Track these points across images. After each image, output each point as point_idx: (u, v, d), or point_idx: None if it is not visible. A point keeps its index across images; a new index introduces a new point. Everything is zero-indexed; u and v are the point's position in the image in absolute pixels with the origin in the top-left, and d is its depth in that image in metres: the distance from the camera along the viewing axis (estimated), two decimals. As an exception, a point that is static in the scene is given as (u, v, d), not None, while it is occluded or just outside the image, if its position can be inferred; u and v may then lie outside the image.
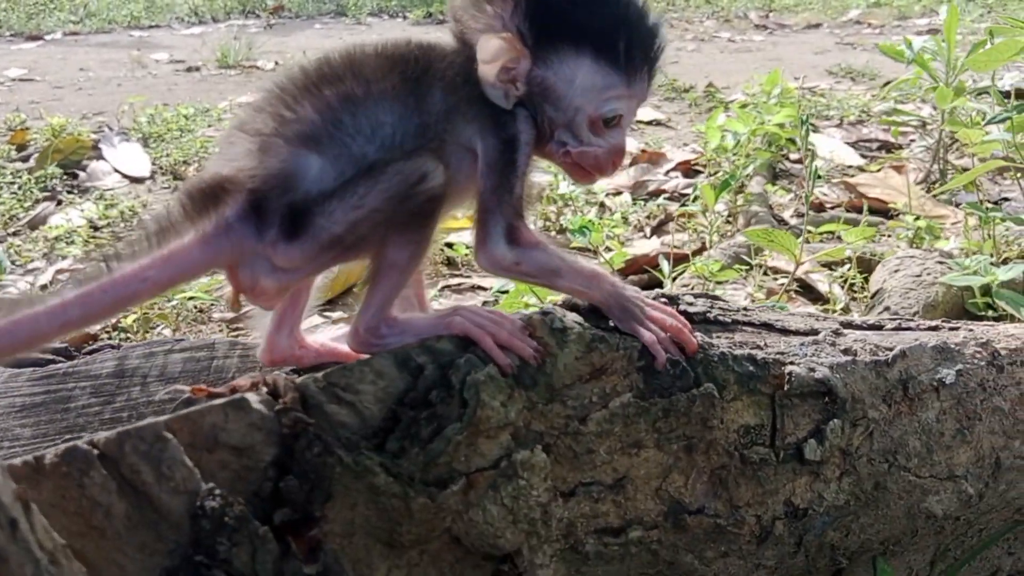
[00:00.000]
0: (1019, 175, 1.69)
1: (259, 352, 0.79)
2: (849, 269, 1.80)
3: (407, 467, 0.60)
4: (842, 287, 1.81)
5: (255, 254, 0.66)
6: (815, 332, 0.77)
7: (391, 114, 0.69)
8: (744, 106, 3.22)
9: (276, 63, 5.03)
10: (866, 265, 1.86)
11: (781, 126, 2.54)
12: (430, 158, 0.68)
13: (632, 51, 0.72)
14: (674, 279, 1.82)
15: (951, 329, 0.82)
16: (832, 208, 2.51)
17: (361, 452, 0.59)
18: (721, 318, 0.78)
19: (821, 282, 1.87)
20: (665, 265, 1.83)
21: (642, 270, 2.02)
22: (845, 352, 0.75)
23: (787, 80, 3.85)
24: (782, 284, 1.92)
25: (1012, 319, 1.40)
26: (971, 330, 0.82)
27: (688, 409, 0.71)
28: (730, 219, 2.41)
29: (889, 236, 2.12)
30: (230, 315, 1.69)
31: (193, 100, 3.89)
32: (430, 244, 0.71)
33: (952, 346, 0.79)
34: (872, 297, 1.51)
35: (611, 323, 0.73)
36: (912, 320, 0.82)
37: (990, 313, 1.46)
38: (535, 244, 0.72)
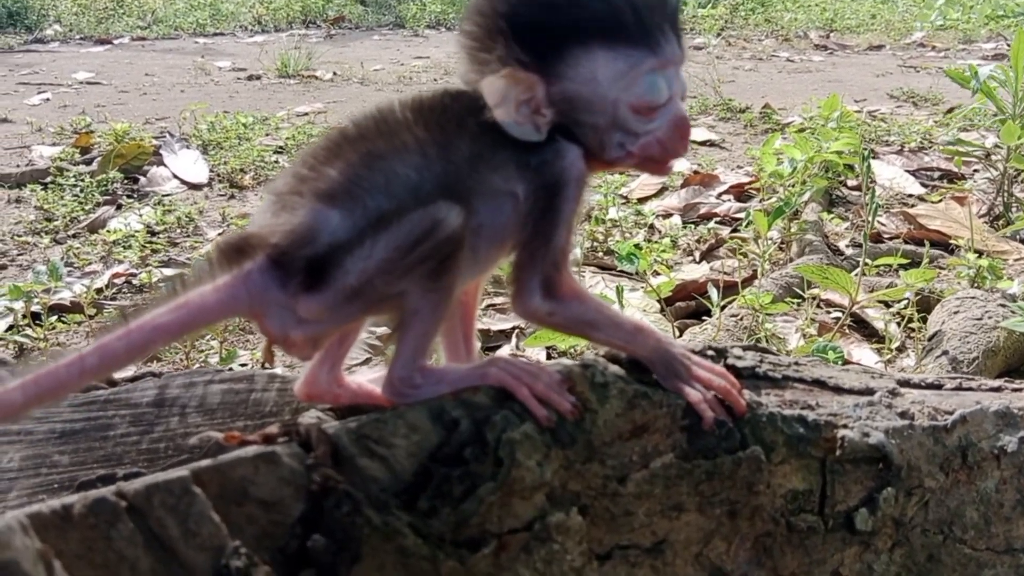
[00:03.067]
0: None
1: (296, 385, 0.78)
2: (906, 307, 1.75)
3: (437, 527, 0.59)
4: (898, 324, 1.76)
5: (281, 306, 0.66)
6: (870, 392, 0.74)
7: (408, 166, 0.68)
8: (801, 130, 3.16)
9: (335, 73, 5.10)
10: (924, 302, 1.80)
11: (839, 153, 2.48)
12: (444, 203, 0.66)
13: (641, 17, 0.68)
14: (723, 308, 1.78)
15: (1015, 391, 0.78)
16: (890, 239, 2.44)
17: (391, 512, 0.57)
18: (771, 373, 0.75)
19: (877, 319, 1.82)
20: (714, 294, 1.79)
21: (690, 297, 1.99)
22: (902, 415, 0.72)
23: (847, 103, 3.78)
24: (835, 318, 1.87)
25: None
26: (1034, 392, 0.78)
27: (733, 472, 0.68)
28: (783, 246, 2.36)
29: (948, 271, 2.05)
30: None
31: (253, 108, 3.97)
32: (454, 290, 0.69)
33: (1015, 411, 0.75)
34: (930, 339, 1.46)
35: (655, 378, 0.71)
36: (973, 379, 0.78)
37: (1055, 362, 1.40)
38: (573, 296, 0.70)
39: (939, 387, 0.76)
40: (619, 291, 1.48)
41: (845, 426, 0.70)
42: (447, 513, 0.59)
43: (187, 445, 0.68)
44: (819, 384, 0.73)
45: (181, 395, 0.81)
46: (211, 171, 3.02)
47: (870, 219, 1.50)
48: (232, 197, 2.82)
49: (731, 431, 0.69)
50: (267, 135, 3.46)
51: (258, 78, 4.99)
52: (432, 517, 0.59)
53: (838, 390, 0.73)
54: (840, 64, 5.64)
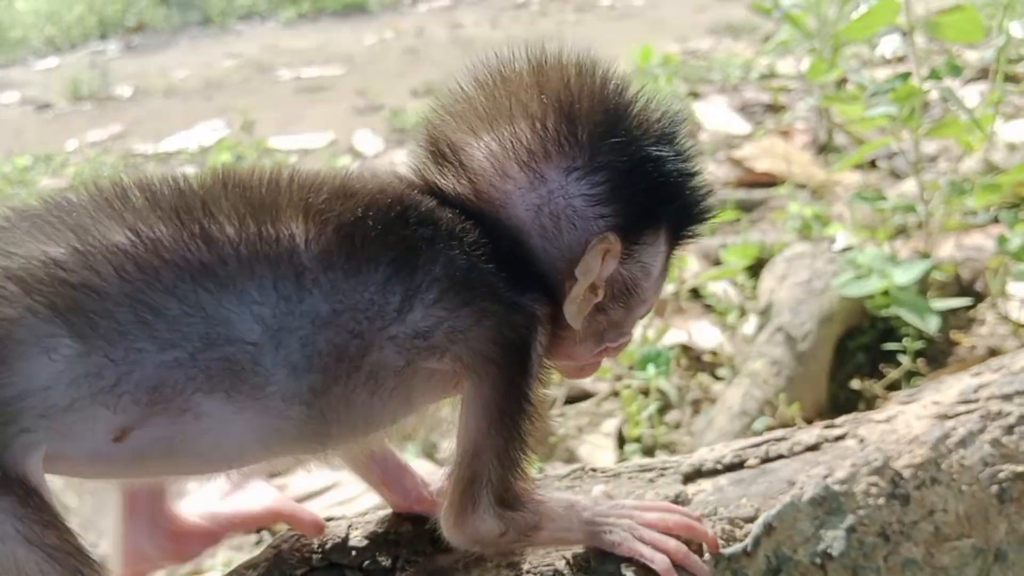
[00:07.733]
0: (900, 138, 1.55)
1: (118, 565, 0.59)
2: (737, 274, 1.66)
3: None
4: (732, 284, 1.68)
5: None
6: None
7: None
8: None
9: (135, 88, 4.69)
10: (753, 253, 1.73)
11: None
12: None
13: (703, 208, 0.57)
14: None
15: (836, 439, 0.63)
16: (721, 188, 2.38)
17: None
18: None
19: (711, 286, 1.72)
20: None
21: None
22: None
23: (670, 43, 3.71)
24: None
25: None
26: (861, 440, 0.62)
27: None
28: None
29: (774, 220, 1.99)
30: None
31: (42, 143, 3.57)
32: None
33: (836, 490, 0.58)
34: (762, 313, 1.36)
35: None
36: (783, 436, 0.64)
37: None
38: (525, 499, 0.54)
39: (740, 465, 0.61)
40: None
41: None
42: None
43: None
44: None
45: None
46: (-12, 229, 2.66)
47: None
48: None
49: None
50: (54, 175, 3.10)
51: (48, 107, 4.53)
52: None
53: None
54: (660, 4, 5.61)
